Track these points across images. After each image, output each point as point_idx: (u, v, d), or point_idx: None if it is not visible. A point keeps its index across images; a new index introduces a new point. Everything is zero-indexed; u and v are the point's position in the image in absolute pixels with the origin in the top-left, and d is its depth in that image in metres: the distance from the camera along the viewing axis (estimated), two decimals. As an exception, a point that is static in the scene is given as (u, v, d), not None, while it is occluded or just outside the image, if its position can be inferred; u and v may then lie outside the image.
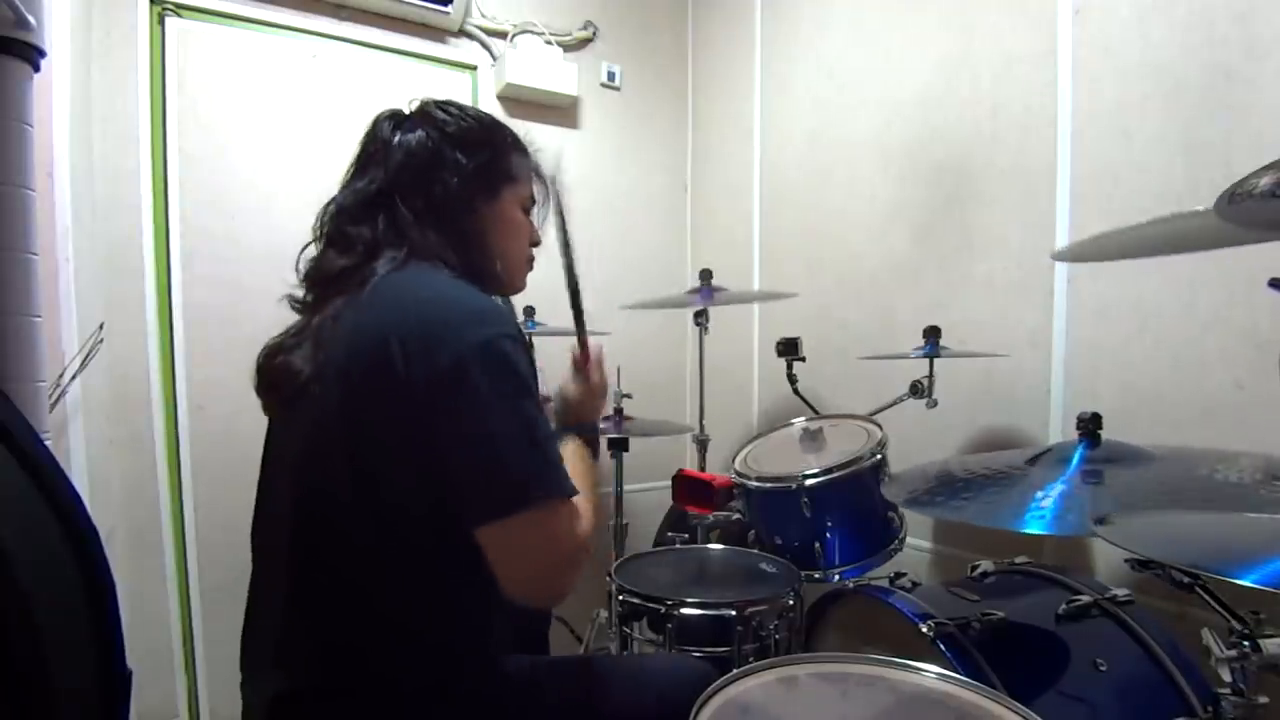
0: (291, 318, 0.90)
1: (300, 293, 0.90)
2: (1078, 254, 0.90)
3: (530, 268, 1.02)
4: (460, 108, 0.94)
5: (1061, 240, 1.49)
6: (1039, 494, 0.93)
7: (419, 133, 0.90)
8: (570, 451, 0.94)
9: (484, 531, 0.73)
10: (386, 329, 0.74)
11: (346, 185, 0.92)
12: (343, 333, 0.78)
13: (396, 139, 0.90)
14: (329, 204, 0.91)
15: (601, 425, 1.59)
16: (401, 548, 0.76)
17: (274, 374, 0.84)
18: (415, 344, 0.73)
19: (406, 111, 0.94)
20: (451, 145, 0.90)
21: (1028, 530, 0.86)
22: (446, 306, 0.77)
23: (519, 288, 1.01)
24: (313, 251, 0.91)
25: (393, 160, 0.89)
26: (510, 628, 0.88)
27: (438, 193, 0.88)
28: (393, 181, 0.88)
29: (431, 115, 0.92)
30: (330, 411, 0.76)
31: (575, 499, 0.77)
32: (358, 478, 0.75)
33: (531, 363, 0.80)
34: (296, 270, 0.91)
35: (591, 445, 1.00)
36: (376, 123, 0.94)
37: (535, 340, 1.94)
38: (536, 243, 1.02)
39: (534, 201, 1.00)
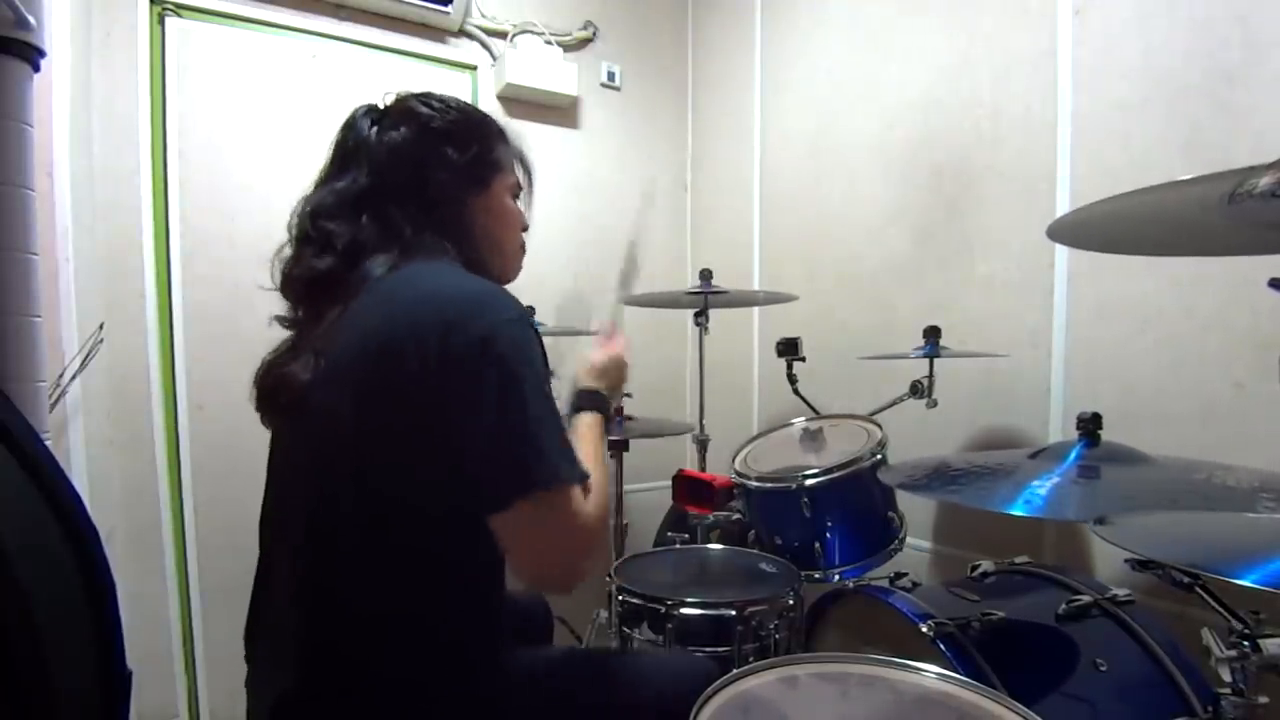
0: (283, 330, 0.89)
1: (286, 309, 0.88)
2: (1074, 233, 0.90)
3: (523, 254, 1.01)
4: (442, 100, 0.92)
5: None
6: (1033, 483, 0.93)
7: (403, 129, 0.87)
8: (586, 424, 0.94)
9: (496, 519, 0.73)
10: (398, 325, 0.74)
11: (323, 184, 0.88)
12: (346, 337, 0.77)
13: (379, 136, 0.87)
14: (303, 203, 0.88)
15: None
16: (410, 547, 0.76)
17: (273, 385, 0.83)
18: (429, 336, 0.72)
19: (383, 106, 0.92)
20: (440, 141, 0.88)
21: (1014, 512, 0.86)
22: (454, 296, 0.77)
23: (514, 276, 0.99)
24: (288, 254, 0.87)
25: (377, 158, 0.86)
26: (512, 622, 0.88)
27: (429, 190, 0.86)
28: (380, 180, 0.85)
29: (415, 110, 0.89)
30: (338, 416, 0.75)
31: (588, 482, 0.77)
32: (369, 479, 0.75)
33: (542, 348, 0.79)
34: (272, 277, 0.88)
35: (607, 420, 0.99)
36: (354, 119, 0.90)
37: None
38: (526, 228, 1.00)
39: (521, 188, 0.98)
